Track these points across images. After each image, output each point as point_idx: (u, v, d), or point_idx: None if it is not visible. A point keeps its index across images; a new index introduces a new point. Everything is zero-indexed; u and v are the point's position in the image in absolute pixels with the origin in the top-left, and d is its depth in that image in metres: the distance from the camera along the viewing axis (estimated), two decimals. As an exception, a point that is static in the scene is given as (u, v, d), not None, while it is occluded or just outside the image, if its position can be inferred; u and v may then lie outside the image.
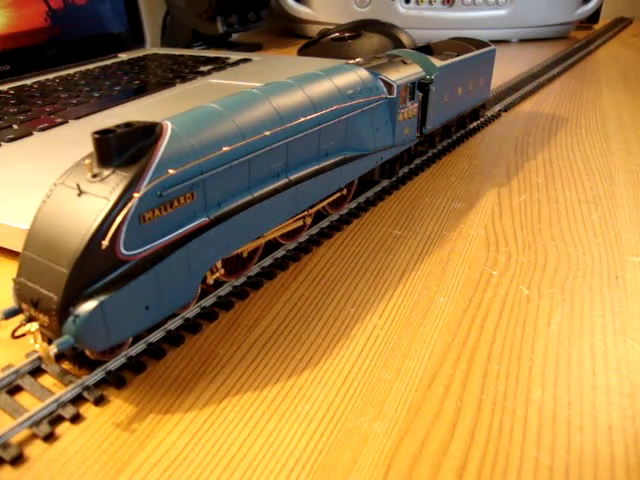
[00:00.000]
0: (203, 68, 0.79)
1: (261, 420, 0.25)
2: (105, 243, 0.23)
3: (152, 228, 0.25)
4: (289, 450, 0.23)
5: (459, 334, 0.30)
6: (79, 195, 0.25)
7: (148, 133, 0.26)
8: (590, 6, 1.23)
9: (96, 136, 0.24)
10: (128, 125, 0.25)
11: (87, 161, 0.25)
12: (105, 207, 0.24)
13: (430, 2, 1.16)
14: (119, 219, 0.24)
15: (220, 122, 0.29)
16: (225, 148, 0.28)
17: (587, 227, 0.41)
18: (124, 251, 0.24)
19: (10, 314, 0.26)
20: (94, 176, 0.25)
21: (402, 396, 0.26)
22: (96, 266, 0.24)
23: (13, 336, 0.26)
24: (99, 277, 0.24)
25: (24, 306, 0.25)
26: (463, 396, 0.26)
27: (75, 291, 0.24)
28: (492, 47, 0.60)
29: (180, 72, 0.77)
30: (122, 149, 0.25)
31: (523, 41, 1.23)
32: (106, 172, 0.25)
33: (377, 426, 0.24)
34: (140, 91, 0.67)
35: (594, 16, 1.43)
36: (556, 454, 0.23)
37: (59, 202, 0.25)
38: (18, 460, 0.23)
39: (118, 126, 0.25)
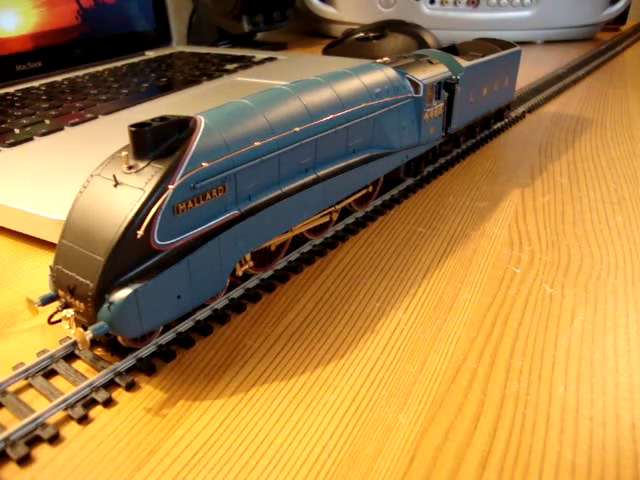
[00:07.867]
0: (229, 66, 0.80)
1: (288, 409, 0.25)
2: (140, 233, 0.24)
3: (185, 219, 0.26)
4: (315, 438, 0.24)
5: (482, 330, 0.30)
6: (115, 186, 0.25)
7: (182, 127, 0.26)
8: (617, 7, 1.21)
9: (132, 129, 0.25)
10: (163, 119, 0.26)
11: (123, 153, 0.26)
12: (140, 198, 0.24)
13: (455, 3, 1.15)
14: (154, 210, 0.24)
15: (251, 117, 0.29)
16: (256, 143, 0.29)
17: (611, 228, 0.41)
18: (158, 241, 0.25)
19: (47, 301, 0.27)
20: (130, 168, 0.25)
21: (426, 389, 0.26)
22: (131, 255, 0.25)
23: (49, 322, 0.27)
24: (134, 266, 0.25)
25: (60, 293, 0.26)
26: (486, 390, 0.26)
27: (110, 279, 0.24)
28: (518, 48, 0.60)
29: (206, 70, 0.77)
30: (157, 142, 0.26)
31: (548, 42, 1.22)
32: (141, 164, 0.25)
33: (401, 417, 0.25)
34: (167, 88, 0.68)
35: (621, 17, 1.41)
36: (579, 449, 0.23)
37: (96, 193, 0.26)
38: (55, 440, 0.23)
39: (154, 120, 0.26)
